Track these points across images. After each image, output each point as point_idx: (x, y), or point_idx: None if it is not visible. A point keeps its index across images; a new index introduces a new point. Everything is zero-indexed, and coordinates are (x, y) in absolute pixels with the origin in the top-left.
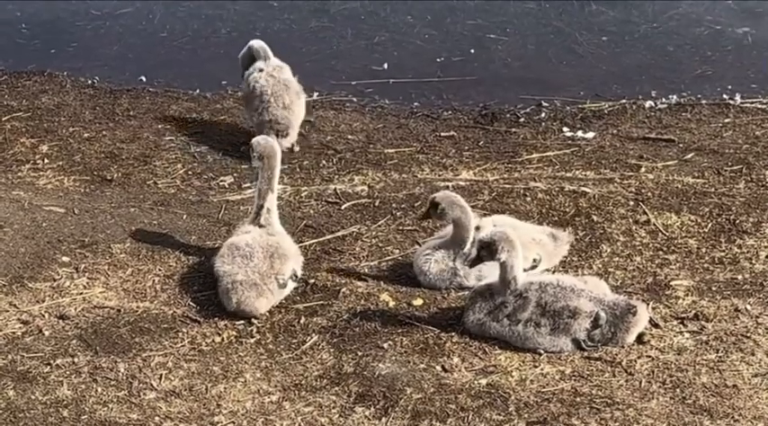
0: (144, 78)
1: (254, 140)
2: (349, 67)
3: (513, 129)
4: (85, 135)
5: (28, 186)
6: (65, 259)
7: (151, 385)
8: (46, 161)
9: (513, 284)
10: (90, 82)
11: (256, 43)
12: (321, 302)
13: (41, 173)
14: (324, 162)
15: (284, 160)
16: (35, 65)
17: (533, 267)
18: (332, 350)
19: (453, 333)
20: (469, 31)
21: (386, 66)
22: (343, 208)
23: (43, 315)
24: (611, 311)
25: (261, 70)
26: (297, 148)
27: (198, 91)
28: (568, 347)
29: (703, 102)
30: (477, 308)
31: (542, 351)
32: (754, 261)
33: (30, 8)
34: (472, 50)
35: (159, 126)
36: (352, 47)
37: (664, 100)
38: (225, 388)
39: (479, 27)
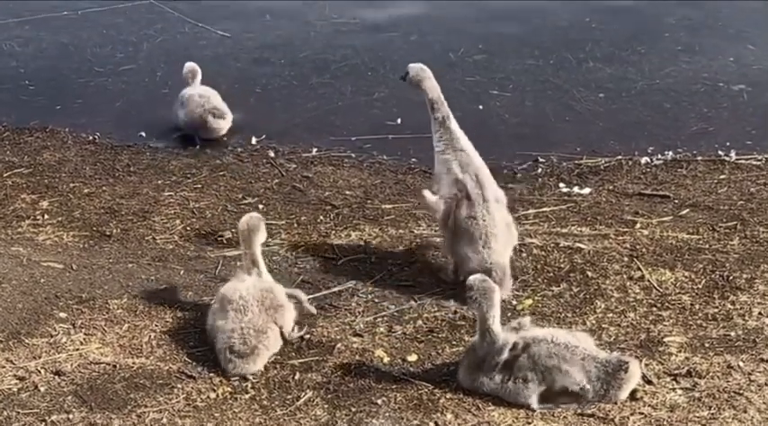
0: (144, 134)
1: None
2: (349, 123)
3: (510, 185)
4: (86, 190)
5: (27, 242)
6: (62, 315)
7: None
8: (46, 216)
9: (488, 336)
10: (91, 138)
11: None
12: (316, 358)
13: (41, 228)
14: (321, 217)
15: (281, 215)
16: (37, 121)
17: None
18: (326, 406)
19: (447, 389)
20: (467, 88)
21: (399, 121)
22: (339, 263)
23: (39, 371)
24: (603, 368)
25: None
26: (225, 139)
27: (198, 147)
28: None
29: (699, 158)
30: (470, 363)
31: (535, 408)
32: (747, 318)
33: (33, 64)
34: (480, 106)
35: (159, 181)
36: (352, 103)
37: (660, 156)
38: None
39: (477, 83)
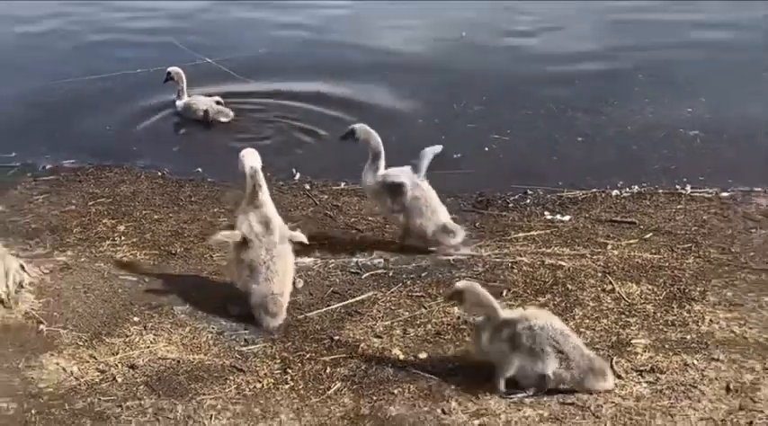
0: (200, 169)
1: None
2: None
3: (504, 213)
4: (155, 217)
5: (108, 259)
6: (136, 319)
7: (203, 423)
8: (123, 238)
9: (494, 313)
10: (160, 173)
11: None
12: (344, 355)
13: (119, 248)
14: (348, 239)
15: (315, 237)
16: (116, 159)
17: None
18: (352, 395)
19: (452, 382)
20: (469, 133)
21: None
22: (363, 277)
23: (117, 365)
24: (589, 362)
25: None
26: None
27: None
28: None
29: (660, 191)
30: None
31: (527, 393)
32: (700, 324)
33: (113, 111)
34: (486, 148)
35: (215, 209)
36: None
37: (627, 189)
38: None
39: (477, 130)
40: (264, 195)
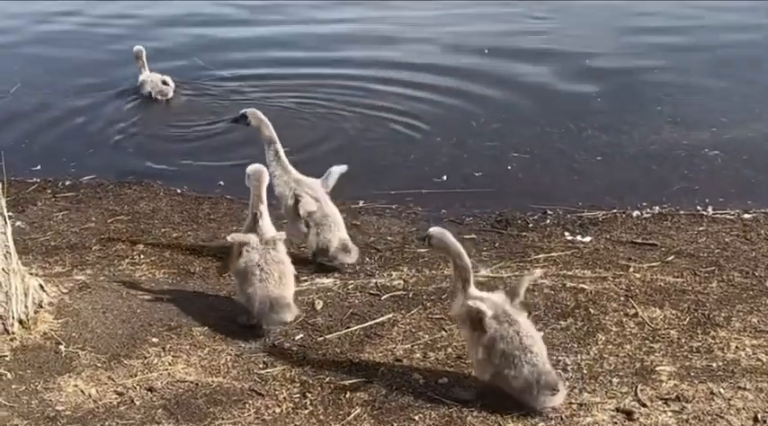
0: (222, 183)
1: (249, 168)
2: (389, 180)
3: (524, 233)
4: (174, 235)
5: (126, 278)
6: (154, 340)
7: None
8: (142, 256)
9: (460, 260)
10: (179, 190)
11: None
12: (363, 379)
13: (138, 266)
14: (367, 259)
15: (336, 257)
16: (135, 176)
17: None
18: (372, 421)
19: (473, 408)
20: (488, 152)
21: (445, 177)
22: (382, 298)
23: (135, 388)
24: (537, 375)
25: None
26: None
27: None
28: None
29: (681, 212)
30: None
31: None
32: (725, 351)
33: (131, 129)
34: (509, 167)
35: (233, 227)
36: (392, 163)
37: (648, 210)
38: None
39: (496, 148)
40: (265, 221)
